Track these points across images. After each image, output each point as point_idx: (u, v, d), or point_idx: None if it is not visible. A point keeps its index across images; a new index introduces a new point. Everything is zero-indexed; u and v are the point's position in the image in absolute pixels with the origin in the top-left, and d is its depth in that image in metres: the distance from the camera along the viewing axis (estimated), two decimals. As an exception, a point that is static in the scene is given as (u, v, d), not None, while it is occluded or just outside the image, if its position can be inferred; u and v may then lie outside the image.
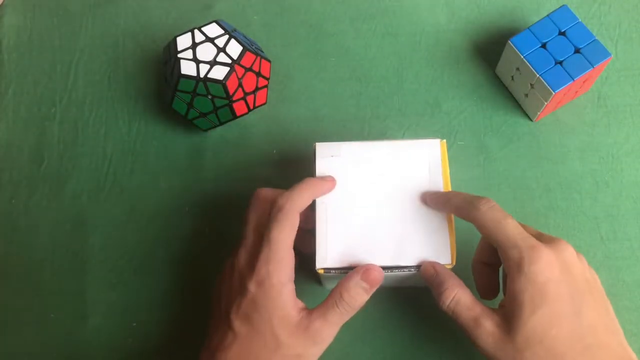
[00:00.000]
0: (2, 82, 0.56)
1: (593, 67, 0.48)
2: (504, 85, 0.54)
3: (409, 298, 0.48)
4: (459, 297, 0.38)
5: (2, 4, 0.58)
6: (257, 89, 0.51)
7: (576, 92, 0.51)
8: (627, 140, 0.52)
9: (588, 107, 0.53)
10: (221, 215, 0.51)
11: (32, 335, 0.48)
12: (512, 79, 0.51)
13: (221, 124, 0.52)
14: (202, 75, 0.47)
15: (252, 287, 0.38)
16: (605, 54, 0.48)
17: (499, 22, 0.56)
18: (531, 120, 0.52)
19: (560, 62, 0.48)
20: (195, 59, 0.48)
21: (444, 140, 0.42)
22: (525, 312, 0.35)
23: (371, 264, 0.39)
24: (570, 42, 0.48)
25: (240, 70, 0.48)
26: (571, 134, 0.52)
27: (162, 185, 0.52)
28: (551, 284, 0.35)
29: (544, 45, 0.48)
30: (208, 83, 0.47)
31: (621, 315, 0.42)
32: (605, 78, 0.53)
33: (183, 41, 0.48)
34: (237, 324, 0.38)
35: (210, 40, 0.48)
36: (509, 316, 0.36)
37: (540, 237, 0.37)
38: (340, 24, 0.56)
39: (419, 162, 0.42)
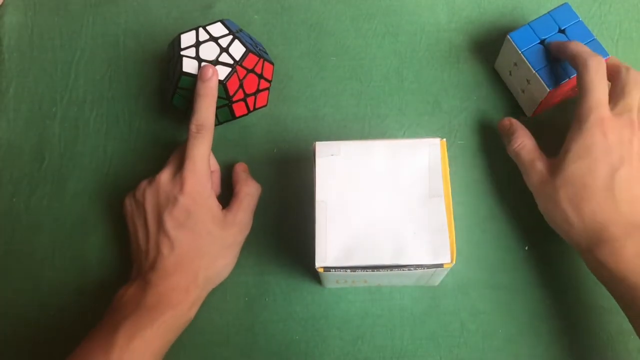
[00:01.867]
0: (3, 81, 0.56)
1: None
2: (504, 85, 0.54)
3: (409, 298, 0.48)
4: (524, 143, 0.47)
5: (3, 3, 0.58)
6: (258, 91, 0.51)
7: (574, 90, 0.51)
8: (627, 139, 0.52)
9: (588, 106, 0.53)
10: (221, 214, 0.51)
11: (32, 334, 0.48)
12: (510, 74, 0.51)
13: (220, 123, 0.52)
14: (202, 74, 0.47)
15: (182, 198, 0.44)
16: (603, 53, 0.48)
17: (499, 21, 0.56)
18: (526, 115, 0.52)
19: (558, 60, 0.48)
20: (197, 58, 0.48)
21: (444, 140, 0.42)
22: (568, 159, 0.43)
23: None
24: (570, 40, 0.48)
25: (241, 72, 0.48)
26: (571, 133, 0.52)
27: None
28: (598, 145, 0.42)
29: (542, 42, 0.49)
30: (209, 82, 0.47)
31: (622, 314, 0.42)
32: (605, 78, 0.53)
33: (187, 39, 0.48)
34: (174, 232, 0.44)
35: (214, 39, 0.48)
36: (557, 161, 0.44)
37: (619, 98, 0.44)
38: (341, 24, 0.56)
39: (419, 162, 0.42)
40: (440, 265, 0.39)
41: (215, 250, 0.45)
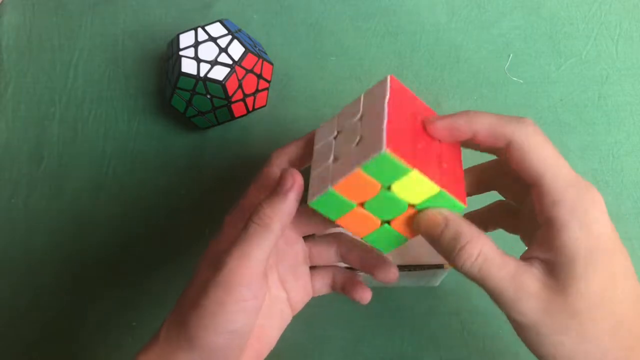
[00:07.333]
0: (1, 82, 0.55)
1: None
2: (505, 84, 0.53)
3: (409, 298, 0.48)
4: (486, 253, 0.29)
5: (1, 3, 0.58)
6: (257, 91, 0.51)
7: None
8: (628, 139, 0.52)
9: (588, 106, 0.53)
10: (221, 215, 0.51)
11: (32, 334, 0.48)
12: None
13: (219, 123, 0.52)
14: (202, 74, 0.47)
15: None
16: None
17: (499, 21, 0.56)
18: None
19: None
20: (196, 58, 0.48)
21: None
22: (581, 267, 0.27)
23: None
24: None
25: (240, 72, 0.48)
26: (571, 133, 0.52)
27: (162, 184, 0.52)
28: (609, 234, 0.28)
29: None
30: (208, 83, 0.47)
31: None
32: (605, 77, 0.53)
33: (186, 39, 0.48)
34: None
35: (213, 39, 0.48)
36: (555, 272, 0.28)
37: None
38: (340, 23, 0.56)
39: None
40: (441, 266, 0.39)
41: None
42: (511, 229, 0.35)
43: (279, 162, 0.36)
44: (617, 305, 0.28)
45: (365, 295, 0.35)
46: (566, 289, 0.28)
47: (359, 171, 0.28)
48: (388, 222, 0.31)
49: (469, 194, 0.34)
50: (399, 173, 0.28)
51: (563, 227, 0.28)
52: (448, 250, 0.30)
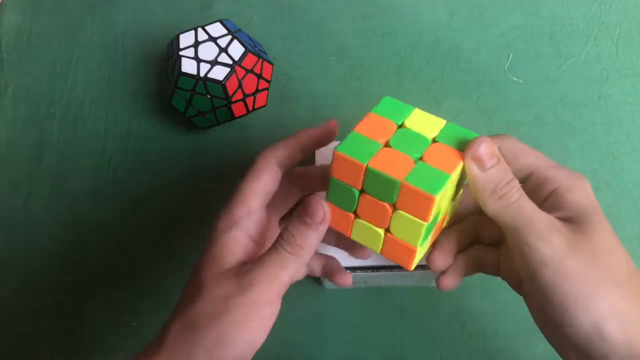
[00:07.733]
0: (1, 82, 0.55)
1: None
2: (505, 84, 0.53)
3: (408, 298, 0.48)
4: (521, 189, 0.32)
5: (1, 3, 0.58)
6: (257, 91, 0.51)
7: None
8: (628, 139, 0.52)
9: (588, 106, 0.53)
10: (221, 215, 0.51)
11: (31, 334, 0.48)
12: None
13: (219, 123, 0.52)
14: (202, 74, 0.47)
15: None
16: None
17: (499, 21, 0.56)
18: None
19: None
20: (196, 58, 0.48)
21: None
22: (593, 217, 0.32)
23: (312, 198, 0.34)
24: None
25: (240, 72, 0.48)
26: (571, 133, 0.52)
27: (162, 184, 0.52)
28: (597, 202, 0.34)
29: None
30: (208, 83, 0.47)
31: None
32: (605, 77, 0.53)
33: (186, 39, 0.48)
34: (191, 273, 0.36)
35: (213, 39, 0.48)
36: (572, 222, 0.32)
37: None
38: (340, 23, 0.56)
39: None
40: (441, 266, 0.39)
41: None
42: (492, 271, 0.38)
43: (269, 163, 0.37)
44: (625, 256, 0.32)
45: (346, 280, 0.39)
46: (586, 233, 0.31)
47: (370, 113, 0.32)
48: (421, 160, 0.31)
49: (464, 275, 0.38)
50: (403, 111, 0.32)
51: (569, 189, 0.33)
52: (498, 179, 0.32)
